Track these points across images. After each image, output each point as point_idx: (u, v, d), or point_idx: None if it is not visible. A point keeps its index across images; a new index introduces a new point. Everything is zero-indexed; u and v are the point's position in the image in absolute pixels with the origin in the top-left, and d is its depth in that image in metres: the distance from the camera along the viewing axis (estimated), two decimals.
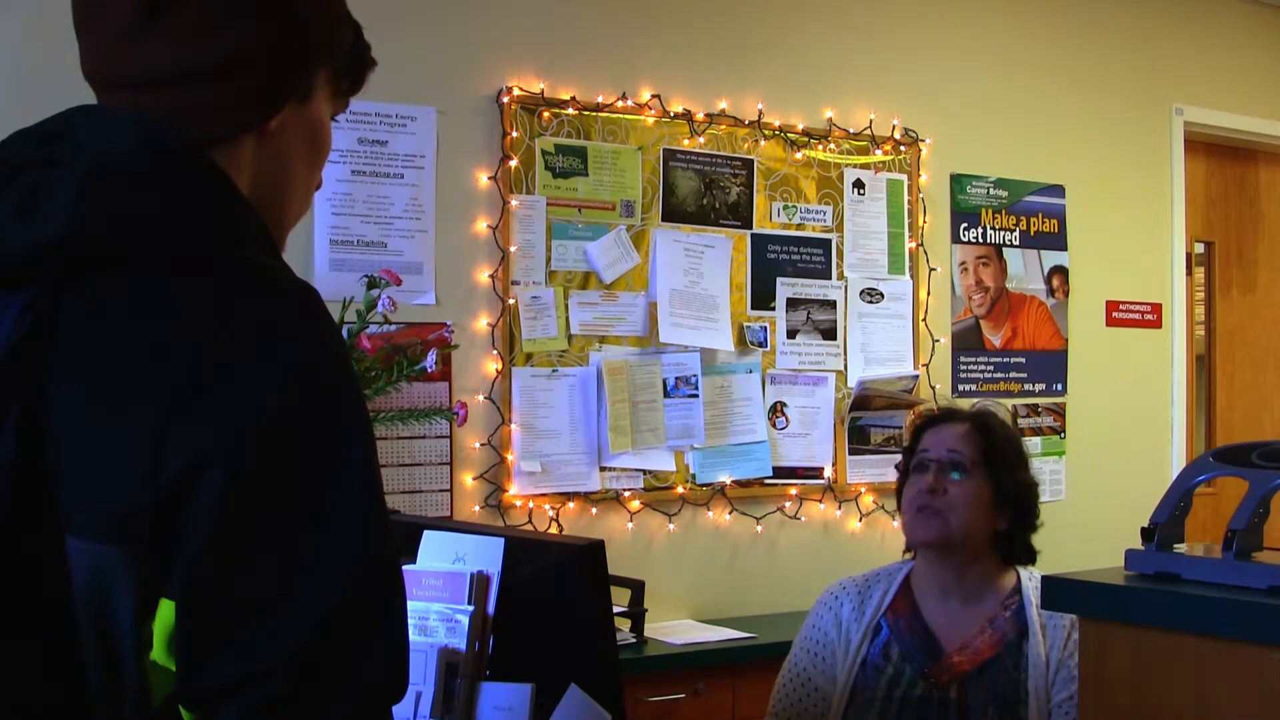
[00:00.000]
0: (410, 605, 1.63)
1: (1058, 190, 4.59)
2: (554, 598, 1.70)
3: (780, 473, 3.96)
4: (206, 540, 0.91)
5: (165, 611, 0.92)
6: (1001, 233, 4.46)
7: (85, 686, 0.94)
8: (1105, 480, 4.57)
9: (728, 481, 3.86)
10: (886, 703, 2.24)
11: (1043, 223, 4.55)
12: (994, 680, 2.22)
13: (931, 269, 4.28)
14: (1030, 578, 2.32)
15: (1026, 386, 4.49)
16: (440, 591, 1.68)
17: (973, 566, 2.30)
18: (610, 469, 3.67)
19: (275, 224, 1.10)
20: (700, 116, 3.85)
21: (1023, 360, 4.49)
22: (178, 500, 0.91)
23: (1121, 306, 4.74)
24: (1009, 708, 2.20)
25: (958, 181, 4.37)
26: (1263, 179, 5.30)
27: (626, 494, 3.69)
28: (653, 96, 3.78)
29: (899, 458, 2.48)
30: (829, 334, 4.07)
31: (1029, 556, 2.35)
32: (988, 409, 2.43)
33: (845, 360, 4.09)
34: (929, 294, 4.27)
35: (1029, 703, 2.19)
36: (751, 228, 3.94)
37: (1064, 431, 4.57)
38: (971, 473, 2.28)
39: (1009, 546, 2.32)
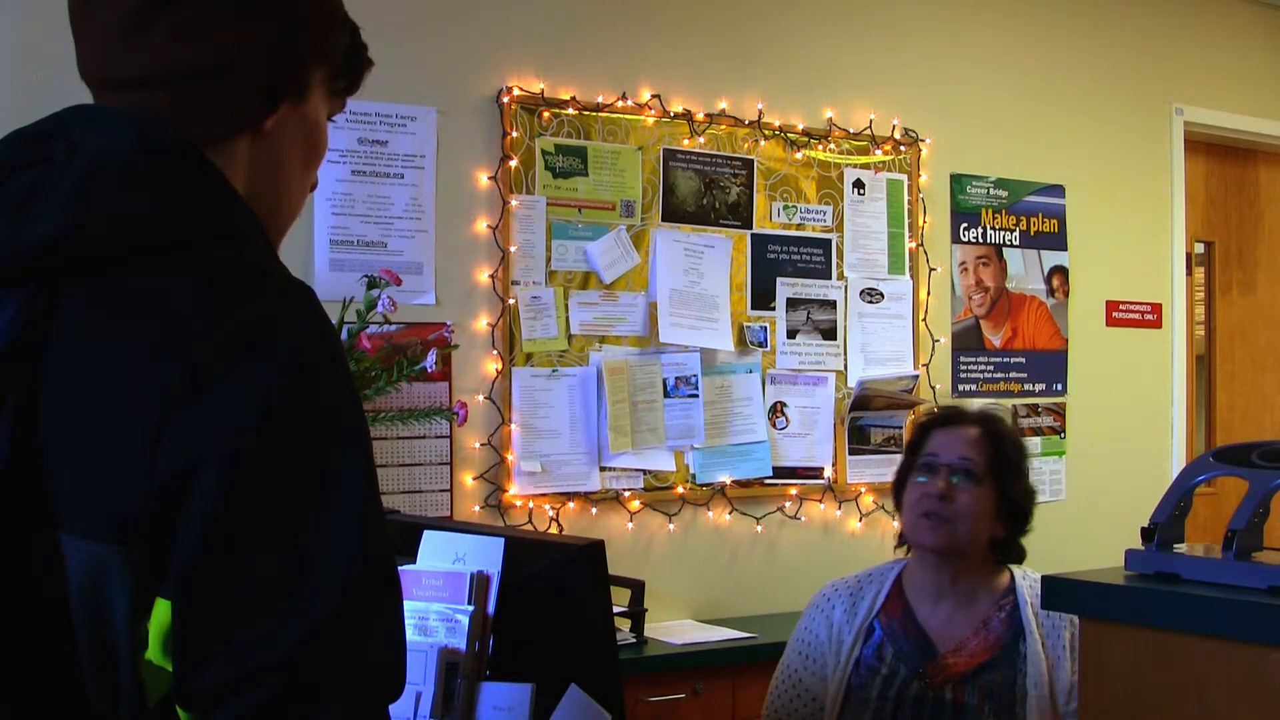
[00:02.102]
0: (410, 605, 1.63)
1: (1058, 190, 4.59)
2: (554, 598, 1.70)
3: (780, 473, 3.96)
4: (202, 540, 0.91)
5: (161, 611, 0.92)
6: (1001, 233, 4.46)
7: (80, 685, 0.94)
8: (1105, 480, 4.57)
9: (728, 481, 3.86)
10: (881, 702, 2.24)
11: (1043, 223, 4.55)
12: (990, 681, 2.22)
13: (931, 269, 4.28)
14: (1024, 577, 2.33)
15: (1026, 386, 4.49)
16: (440, 591, 1.68)
17: (969, 571, 2.30)
18: (610, 469, 3.67)
19: (270, 223, 1.10)
20: (700, 116, 3.85)
21: (1023, 360, 4.48)
22: (174, 499, 0.91)
23: (1121, 306, 4.74)
24: (1006, 707, 2.20)
25: (958, 181, 4.37)
26: (1263, 179, 5.30)
27: (626, 494, 3.69)
28: (653, 96, 3.78)
29: (900, 457, 2.47)
30: (829, 334, 4.07)
31: (1020, 556, 2.35)
32: (996, 412, 2.42)
33: (845, 360, 4.09)
34: (929, 294, 4.27)
35: (1027, 703, 2.19)
36: (751, 228, 3.94)
37: (1064, 431, 4.57)
38: (980, 480, 2.27)
39: (1004, 550, 2.33)
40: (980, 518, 2.26)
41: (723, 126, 3.89)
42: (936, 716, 2.21)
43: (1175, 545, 1.64)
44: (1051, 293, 4.56)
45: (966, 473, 2.27)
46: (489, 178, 3.55)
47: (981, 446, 2.30)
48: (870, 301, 4.15)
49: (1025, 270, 4.50)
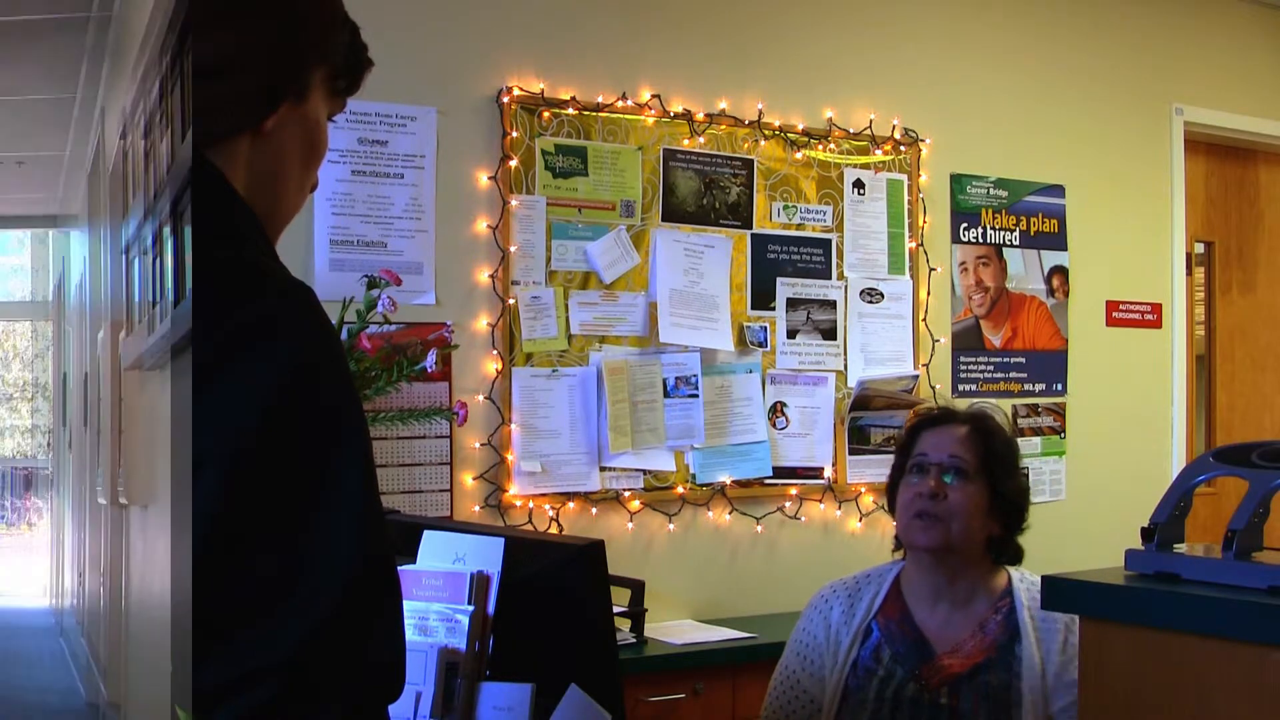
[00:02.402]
0: (410, 605, 1.63)
1: (1058, 190, 4.59)
2: (554, 598, 1.70)
3: (780, 473, 3.96)
4: (202, 540, 0.91)
5: None
6: (1001, 233, 4.46)
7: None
8: (1105, 480, 4.57)
9: (728, 481, 3.85)
10: (878, 704, 2.24)
11: (1043, 223, 4.55)
12: (986, 683, 2.21)
13: (931, 269, 4.28)
14: (1021, 579, 2.32)
15: (1026, 386, 4.49)
16: (440, 591, 1.68)
17: (965, 570, 2.30)
18: (610, 469, 3.67)
19: (269, 223, 1.10)
20: (700, 116, 3.85)
21: (1023, 360, 4.48)
22: None
23: (1121, 306, 4.74)
24: (1002, 709, 2.19)
25: (958, 181, 4.37)
26: (1263, 179, 5.30)
27: (626, 494, 3.69)
28: (653, 96, 3.78)
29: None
30: (829, 334, 4.07)
31: (1018, 556, 2.35)
32: (986, 410, 2.42)
33: (845, 360, 4.09)
34: (929, 294, 4.27)
35: (1023, 705, 2.19)
36: (751, 228, 3.94)
37: (1064, 431, 4.57)
38: (971, 478, 2.27)
39: (1001, 549, 2.32)
40: (973, 515, 2.26)
41: (723, 126, 3.89)
42: (933, 719, 2.21)
43: (1175, 545, 1.64)
44: (1051, 293, 4.56)
45: (957, 470, 2.27)
46: (489, 178, 3.55)
47: (971, 444, 2.30)
48: (870, 301, 4.15)
49: (1025, 270, 4.50)
